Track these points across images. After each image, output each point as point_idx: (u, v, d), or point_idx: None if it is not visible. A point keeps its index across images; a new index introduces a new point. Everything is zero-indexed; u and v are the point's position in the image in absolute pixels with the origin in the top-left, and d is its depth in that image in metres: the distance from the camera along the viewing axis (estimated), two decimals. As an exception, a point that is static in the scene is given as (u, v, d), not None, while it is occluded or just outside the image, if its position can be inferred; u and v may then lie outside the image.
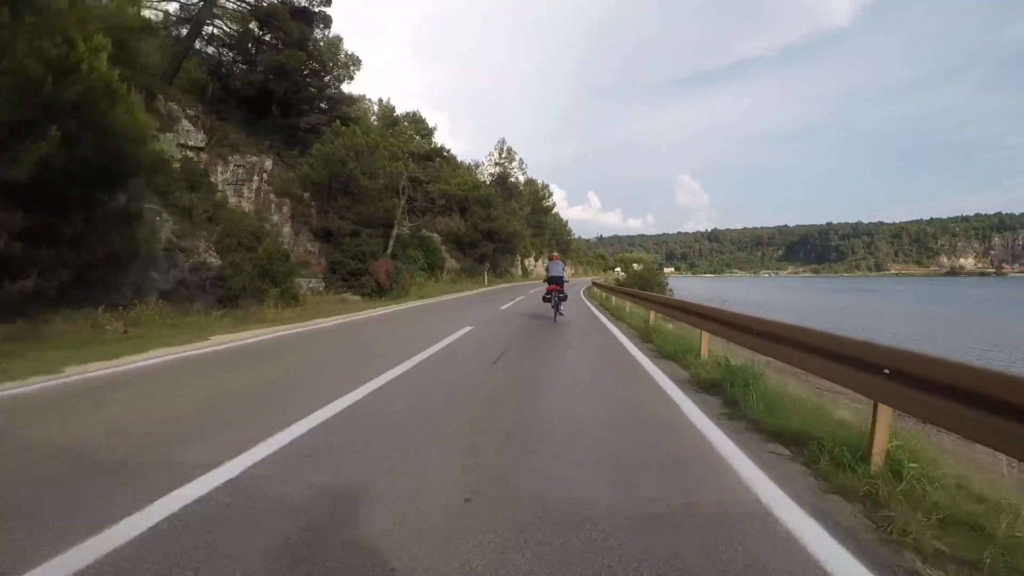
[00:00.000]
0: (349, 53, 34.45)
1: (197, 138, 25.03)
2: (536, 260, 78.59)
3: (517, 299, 26.31)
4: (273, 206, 28.83)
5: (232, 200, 26.71)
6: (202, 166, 25.24)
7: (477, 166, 63.15)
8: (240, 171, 27.43)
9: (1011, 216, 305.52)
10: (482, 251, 49.85)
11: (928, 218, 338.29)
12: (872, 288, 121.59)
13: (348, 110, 39.83)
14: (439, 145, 35.39)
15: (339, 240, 27.81)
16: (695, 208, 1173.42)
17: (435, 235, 45.23)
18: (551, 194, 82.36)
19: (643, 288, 36.70)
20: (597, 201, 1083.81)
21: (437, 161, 34.18)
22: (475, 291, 36.10)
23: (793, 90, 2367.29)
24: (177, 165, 23.69)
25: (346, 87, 35.05)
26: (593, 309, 21.83)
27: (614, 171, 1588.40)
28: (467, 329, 13.27)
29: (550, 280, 16.54)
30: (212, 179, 25.66)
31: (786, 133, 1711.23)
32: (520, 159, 64.07)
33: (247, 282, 20.27)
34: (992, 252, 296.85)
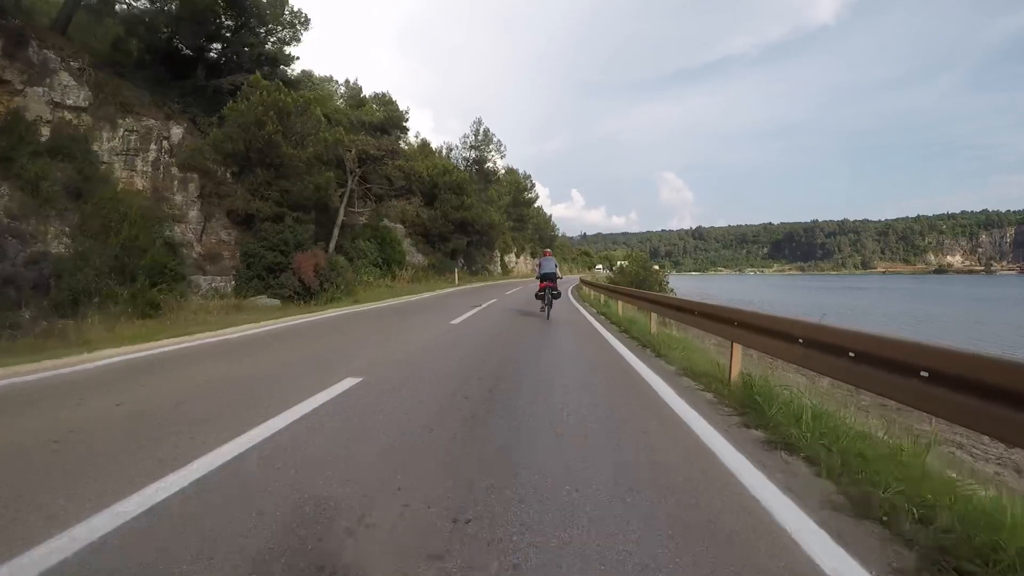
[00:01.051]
0: (295, 10, 27.86)
1: (79, 96, 19.46)
2: (518, 256, 72.20)
3: (484, 305, 20.02)
4: (177, 183, 22.50)
5: (122, 174, 20.68)
6: (82, 130, 19.38)
7: (450, 150, 56.69)
8: (133, 138, 21.24)
9: (997, 213, 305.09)
10: (453, 245, 43.38)
11: (915, 215, 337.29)
12: (866, 286, 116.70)
13: (300, 79, 33.75)
14: (401, 111, 28.60)
15: (258, 226, 21.45)
16: (679, 206, 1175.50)
17: (398, 226, 38.90)
18: (533, 185, 76.05)
19: (639, 287, 31.58)
20: (581, 199, 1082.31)
21: (396, 134, 27.73)
22: (439, 292, 29.81)
23: (777, 87, 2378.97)
24: (45, 128, 17.87)
25: (301, 63, 28.21)
26: (591, 320, 15.73)
27: (598, 169, 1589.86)
28: (330, 393, 5.96)
29: (543, 277, 16.00)
30: (97, 147, 19.77)
31: (770, 130, 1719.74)
32: (499, 141, 57.76)
33: (91, 281, 13.95)
34: (980, 249, 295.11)
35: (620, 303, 17.01)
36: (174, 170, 22.28)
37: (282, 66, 28.12)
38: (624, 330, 12.93)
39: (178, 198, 22.15)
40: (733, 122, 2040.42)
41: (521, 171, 74.75)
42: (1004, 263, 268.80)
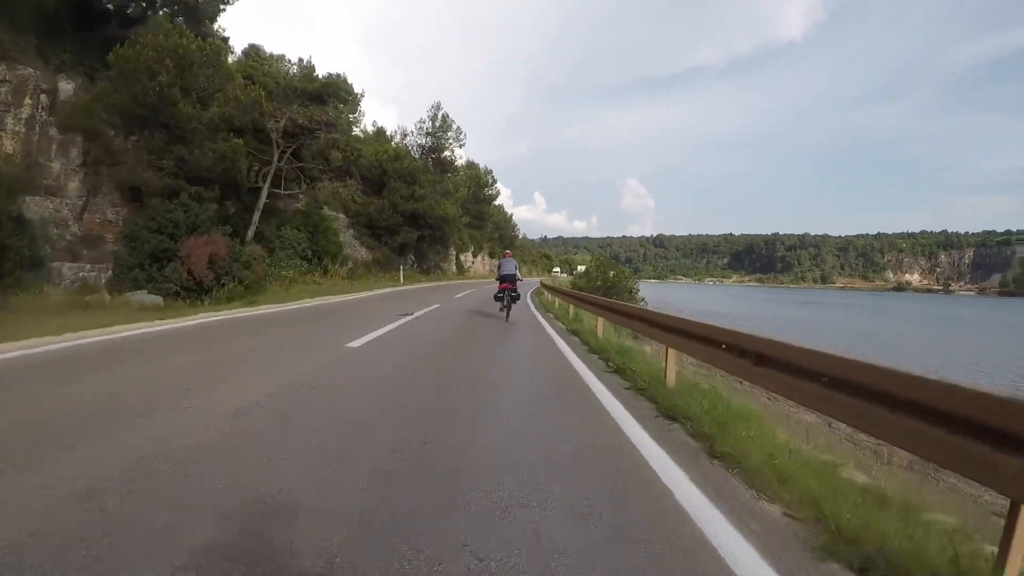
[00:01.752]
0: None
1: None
2: (476, 256, 68.49)
3: (418, 313, 16.34)
4: (56, 146, 18.50)
5: (-15, 134, 16.75)
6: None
7: (405, 136, 52.39)
8: (2, 90, 17.27)
9: (956, 235, 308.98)
10: (402, 239, 39.37)
11: (875, 232, 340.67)
12: (830, 301, 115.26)
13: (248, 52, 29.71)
14: (348, 85, 24.49)
15: (146, 203, 17.54)
16: (640, 212, 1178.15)
17: (339, 216, 34.97)
18: (495, 181, 72.19)
19: (606, 295, 28.33)
20: (543, 202, 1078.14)
21: (333, 103, 23.77)
22: (376, 292, 26.04)
23: (743, 100, 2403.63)
24: None
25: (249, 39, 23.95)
26: (566, 352, 10.28)
27: (561, 173, 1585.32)
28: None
29: (502, 278, 15.65)
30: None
31: (733, 142, 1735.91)
32: (458, 129, 53.16)
33: None
34: (938, 269, 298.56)
35: (600, 321, 12.35)
36: (53, 131, 18.28)
37: (207, 20, 23.94)
38: (640, 387, 7.06)
39: (55, 166, 18.14)
40: (698, 132, 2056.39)
41: (482, 166, 71.04)
42: (962, 284, 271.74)
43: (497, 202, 75.68)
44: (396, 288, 30.21)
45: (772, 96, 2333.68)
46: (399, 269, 36.67)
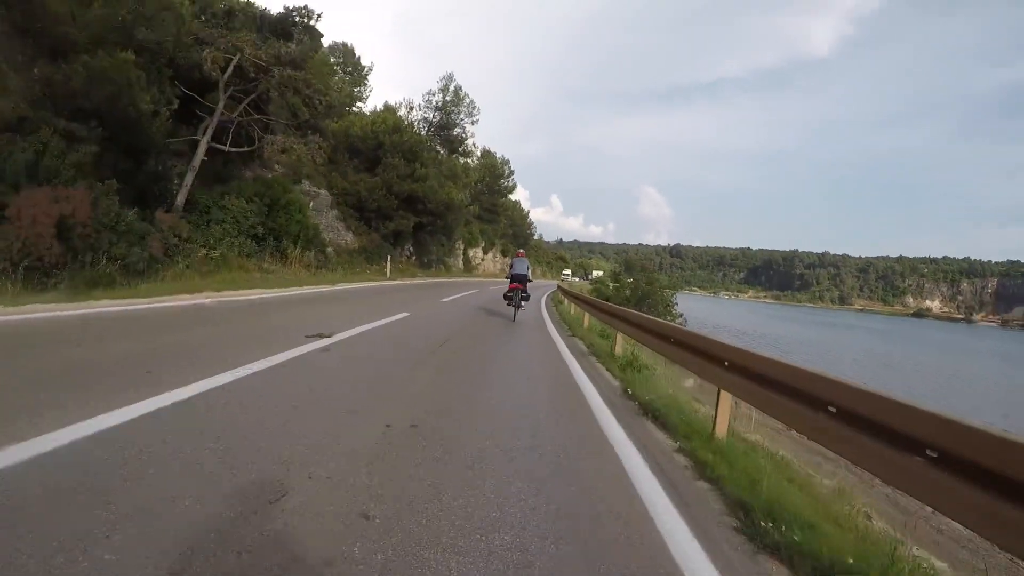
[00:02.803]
0: None
1: None
2: (486, 252, 62.44)
3: (341, 336, 8.89)
4: None
5: None
6: None
7: (411, 108, 45.24)
8: None
9: (980, 262, 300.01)
10: (397, 225, 33.23)
11: (896, 255, 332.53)
12: (861, 325, 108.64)
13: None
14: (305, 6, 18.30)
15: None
16: (657, 220, 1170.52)
17: (320, 191, 29.04)
18: (511, 173, 66.17)
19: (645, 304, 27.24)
20: (559, 204, 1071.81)
21: (298, 31, 17.75)
22: (339, 287, 19.75)
23: (767, 114, 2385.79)
24: None
25: None
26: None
27: (579, 176, 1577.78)
28: None
29: (513, 278, 15.23)
30: None
31: (756, 155, 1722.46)
32: (471, 103, 46.45)
33: None
34: (960, 297, 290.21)
35: (619, 337, 9.49)
36: None
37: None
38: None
39: None
40: (719, 144, 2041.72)
41: (499, 155, 65.03)
42: (984, 314, 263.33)
43: (513, 197, 69.49)
44: (375, 284, 24.16)
45: (796, 112, 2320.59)
46: (386, 260, 30.55)
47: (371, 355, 7.63)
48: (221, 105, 17.81)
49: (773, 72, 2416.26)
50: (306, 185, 28.38)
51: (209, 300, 11.82)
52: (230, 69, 17.47)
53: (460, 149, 47.25)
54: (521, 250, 19.47)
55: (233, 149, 18.82)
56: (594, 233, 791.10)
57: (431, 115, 44.74)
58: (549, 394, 6.58)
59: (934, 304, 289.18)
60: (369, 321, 10.90)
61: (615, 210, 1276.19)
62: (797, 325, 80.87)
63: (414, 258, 38.73)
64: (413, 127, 38.52)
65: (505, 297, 15.49)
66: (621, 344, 10.34)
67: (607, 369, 8.97)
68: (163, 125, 15.21)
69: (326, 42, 38.89)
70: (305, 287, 17.62)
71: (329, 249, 28.89)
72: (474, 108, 46.03)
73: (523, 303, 15.28)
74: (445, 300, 18.67)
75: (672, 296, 31.64)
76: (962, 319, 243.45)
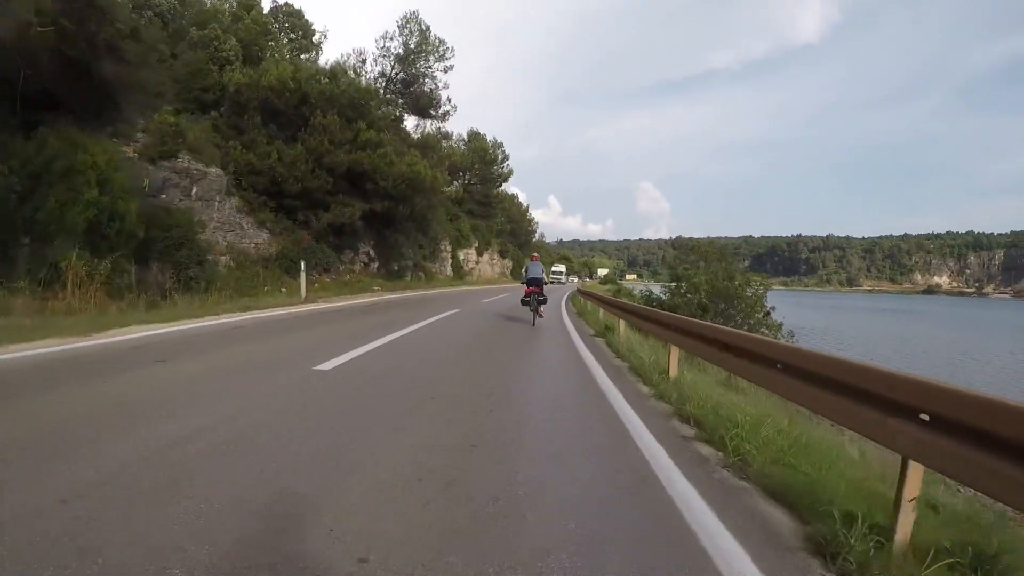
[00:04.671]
0: None
1: None
2: (481, 254, 51.26)
3: None
4: None
5: None
6: None
7: (362, 61, 33.14)
8: None
9: (984, 235, 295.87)
10: (336, 216, 21.86)
11: (901, 233, 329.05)
12: (880, 307, 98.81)
13: None
14: None
15: None
16: (656, 215, 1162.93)
17: (211, 169, 18.28)
18: (506, 158, 55.27)
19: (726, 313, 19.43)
20: (558, 205, 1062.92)
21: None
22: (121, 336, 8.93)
23: (760, 102, 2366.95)
24: None
25: None
26: None
27: (575, 176, 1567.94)
28: None
29: (529, 282, 15.26)
30: None
31: (751, 144, 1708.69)
32: (447, 47, 33.79)
33: None
34: (967, 271, 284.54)
35: (674, 353, 7.70)
36: None
37: None
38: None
39: None
40: (713, 135, 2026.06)
41: (490, 137, 54.08)
42: (993, 286, 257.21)
43: (508, 175, 57.27)
44: (259, 316, 13.13)
45: (788, 98, 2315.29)
46: (301, 271, 18.72)
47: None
48: None
49: (763, 61, 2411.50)
50: (184, 160, 17.69)
51: None
52: None
53: (434, 112, 35.63)
54: (535, 254, 19.05)
55: None
56: (593, 231, 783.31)
57: (391, 68, 33.15)
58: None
59: (943, 280, 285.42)
60: None
61: (613, 208, 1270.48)
62: (826, 312, 71.99)
63: (376, 264, 27.92)
64: (350, 73, 26.95)
65: (523, 302, 15.33)
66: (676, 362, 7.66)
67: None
68: None
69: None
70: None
71: (223, 259, 18.12)
72: (446, 50, 33.72)
73: (541, 308, 15.20)
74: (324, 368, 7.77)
75: (762, 292, 20.59)
76: (973, 293, 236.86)
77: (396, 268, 29.13)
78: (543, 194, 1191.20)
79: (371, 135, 22.10)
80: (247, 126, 21.14)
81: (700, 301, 18.71)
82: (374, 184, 22.37)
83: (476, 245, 49.40)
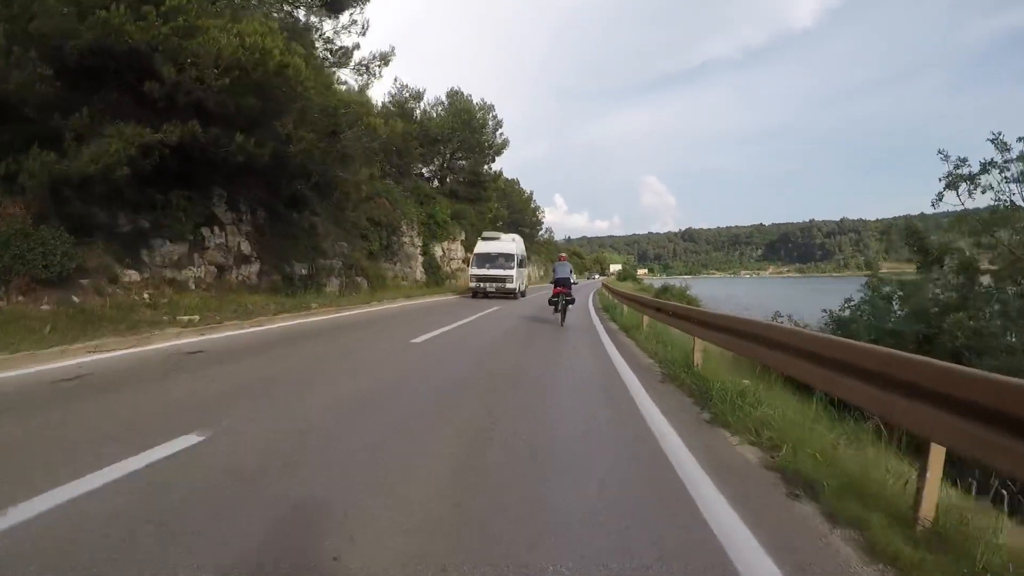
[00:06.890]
0: None
1: None
2: (469, 249, 38.43)
3: None
4: None
5: None
6: None
7: None
8: None
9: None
10: (88, 162, 9.25)
11: (917, 213, 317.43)
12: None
13: None
14: None
15: None
16: (661, 209, 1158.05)
17: None
18: (499, 124, 43.51)
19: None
20: (563, 203, 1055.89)
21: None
22: None
23: (761, 90, 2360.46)
24: None
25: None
26: None
27: (580, 174, 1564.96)
28: None
29: (556, 282, 15.46)
30: None
31: (755, 132, 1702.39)
32: None
33: None
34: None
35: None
36: None
37: None
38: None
39: None
40: (717, 126, 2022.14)
41: (477, 100, 42.18)
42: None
43: (504, 145, 44.79)
44: None
45: (791, 84, 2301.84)
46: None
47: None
48: None
49: (762, 49, 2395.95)
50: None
51: None
52: None
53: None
54: (563, 254, 18.65)
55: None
56: (600, 228, 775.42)
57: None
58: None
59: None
60: None
61: (619, 203, 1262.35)
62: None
63: (256, 268, 15.72)
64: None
65: (550, 302, 15.54)
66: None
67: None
68: None
69: None
70: None
71: None
72: None
73: (568, 307, 15.18)
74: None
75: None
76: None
77: (298, 274, 17.25)
78: (549, 192, 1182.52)
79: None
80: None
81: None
82: (198, 81, 9.99)
83: (462, 238, 37.46)
